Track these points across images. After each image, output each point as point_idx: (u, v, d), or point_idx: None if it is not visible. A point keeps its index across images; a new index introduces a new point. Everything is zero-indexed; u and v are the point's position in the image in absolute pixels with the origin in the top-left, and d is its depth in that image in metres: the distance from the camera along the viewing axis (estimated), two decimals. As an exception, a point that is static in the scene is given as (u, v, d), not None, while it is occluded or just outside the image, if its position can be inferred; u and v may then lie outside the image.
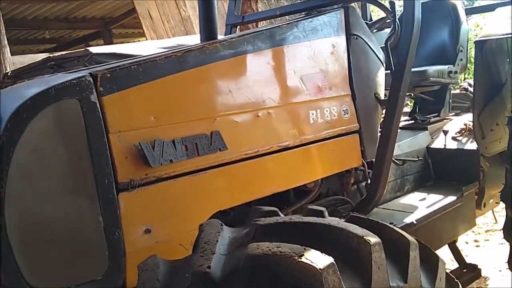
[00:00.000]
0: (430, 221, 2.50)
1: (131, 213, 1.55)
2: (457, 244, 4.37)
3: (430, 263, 1.29)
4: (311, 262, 0.93)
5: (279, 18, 2.91)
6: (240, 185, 1.91)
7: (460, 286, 1.45)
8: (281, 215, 1.26)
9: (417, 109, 3.58)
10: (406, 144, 2.97)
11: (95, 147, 1.47)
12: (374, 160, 2.40)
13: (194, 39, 4.25)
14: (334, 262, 0.95)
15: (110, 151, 1.50)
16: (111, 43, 10.95)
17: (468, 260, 3.74)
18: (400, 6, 2.52)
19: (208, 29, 2.37)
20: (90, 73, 1.51)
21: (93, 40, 12.04)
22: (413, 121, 3.39)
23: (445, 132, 3.07)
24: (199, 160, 1.74)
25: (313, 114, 2.19)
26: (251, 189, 1.94)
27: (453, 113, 3.58)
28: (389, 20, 2.66)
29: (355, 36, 2.40)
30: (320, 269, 0.93)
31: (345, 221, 1.21)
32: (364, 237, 1.05)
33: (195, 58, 1.78)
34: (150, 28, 6.88)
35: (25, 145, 1.35)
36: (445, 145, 3.03)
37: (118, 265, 1.52)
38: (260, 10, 7.42)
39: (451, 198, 2.68)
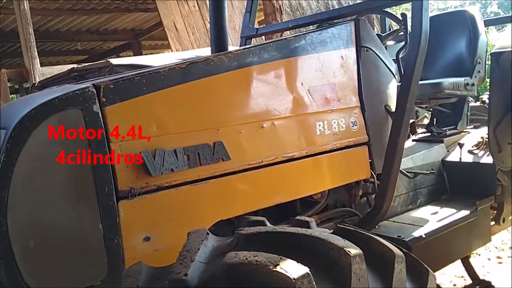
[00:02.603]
0: (441, 235, 2.45)
1: (131, 221, 1.59)
2: (480, 260, 4.26)
3: (420, 277, 1.27)
4: (286, 272, 0.95)
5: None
6: (244, 195, 1.93)
7: None
8: (268, 225, 1.27)
9: (434, 122, 3.54)
10: (420, 157, 2.93)
11: (96, 156, 1.52)
12: (382, 172, 2.39)
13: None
14: (309, 272, 0.96)
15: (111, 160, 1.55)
16: (140, 54, 11.21)
17: (489, 277, 3.65)
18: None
19: (218, 42, 2.43)
20: (93, 84, 1.57)
21: (123, 51, 12.37)
22: (429, 134, 3.34)
23: (461, 145, 3.01)
24: (200, 169, 1.77)
25: (320, 125, 2.19)
26: (255, 199, 1.96)
27: (472, 126, 3.51)
28: (402, 33, 2.65)
29: (365, 48, 2.41)
30: (294, 278, 0.94)
31: (331, 233, 1.22)
32: (345, 248, 1.05)
33: (199, 69, 1.82)
34: (176, 40, 7.02)
35: (29, 153, 1.41)
36: (460, 158, 2.97)
37: (116, 272, 1.55)
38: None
39: (464, 212, 2.62)
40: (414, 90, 2.23)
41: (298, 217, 1.30)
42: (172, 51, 7.09)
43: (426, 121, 3.97)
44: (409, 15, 2.44)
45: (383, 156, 2.37)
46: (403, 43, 2.51)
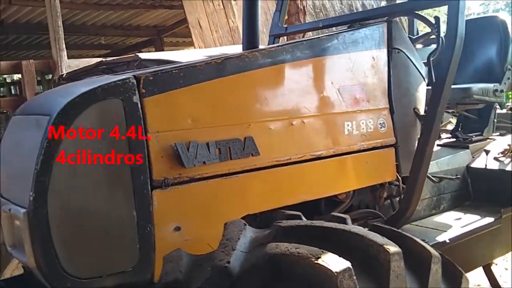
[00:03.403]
0: (464, 241, 2.44)
1: (163, 210, 1.62)
2: (498, 270, 4.22)
3: (454, 278, 1.28)
4: (328, 265, 0.96)
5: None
6: (271, 191, 1.95)
7: None
8: (304, 219, 1.29)
9: (460, 127, 3.51)
10: (445, 162, 2.92)
11: (134, 145, 1.56)
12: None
13: (240, 49, 4.36)
14: (350, 266, 0.97)
15: (147, 150, 1.59)
16: (162, 51, 11.31)
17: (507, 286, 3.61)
18: (444, 21, 2.50)
19: (250, 39, 2.46)
20: (134, 75, 1.60)
21: (144, 47, 12.47)
22: (454, 139, 3.32)
23: (487, 152, 2.99)
24: (231, 163, 1.80)
25: (348, 125, 2.20)
26: (281, 196, 1.98)
27: (498, 133, 3.47)
28: (434, 36, 2.65)
29: (396, 50, 2.40)
30: (336, 272, 0.95)
31: (368, 230, 1.23)
32: (384, 246, 1.07)
33: (234, 65, 1.85)
34: (199, 37, 7.07)
35: (70, 140, 1.46)
36: (486, 165, 2.95)
37: (147, 259, 1.59)
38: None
39: (488, 220, 2.60)
40: (447, 94, 2.22)
41: (334, 213, 1.32)
42: (195, 48, 7.14)
43: (449, 127, 3.94)
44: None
45: (410, 159, 2.37)
46: (430, 46, 2.50)
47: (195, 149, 1.68)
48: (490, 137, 3.35)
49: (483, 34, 3.36)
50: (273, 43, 3.07)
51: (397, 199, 2.51)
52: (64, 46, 5.68)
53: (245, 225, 1.24)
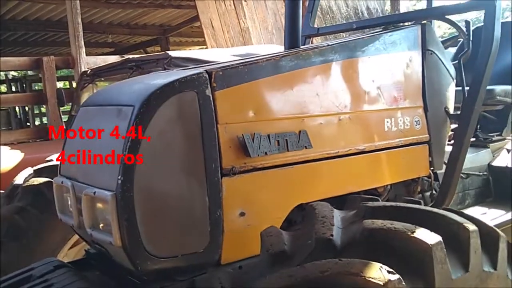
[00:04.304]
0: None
1: (230, 196, 1.74)
2: None
3: (512, 259, 1.40)
4: (423, 238, 1.08)
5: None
6: (321, 182, 2.07)
7: None
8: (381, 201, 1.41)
9: (478, 128, 3.65)
10: (469, 160, 3.04)
11: (206, 135, 1.67)
12: (439, 171, 2.52)
13: (261, 49, 4.48)
14: (441, 240, 1.09)
15: (218, 140, 1.70)
16: (167, 50, 11.40)
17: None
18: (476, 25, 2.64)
19: (292, 38, 2.58)
20: (206, 70, 1.72)
21: (149, 46, 12.56)
22: (474, 139, 3.46)
23: (508, 151, 3.13)
24: (288, 155, 1.91)
25: (388, 122, 2.33)
26: (330, 187, 2.09)
27: (515, 134, 3.62)
28: (459, 39, 2.78)
29: (430, 52, 2.53)
30: (431, 244, 1.07)
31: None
32: (464, 224, 1.19)
33: (290, 62, 1.97)
34: (211, 37, 7.18)
35: (153, 129, 1.57)
36: (507, 163, 3.09)
37: (216, 242, 1.70)
38: (316, 26, 7.61)
39: None
40: (482, 94, 2.36)
41: (407, 197, 1.44)
42: (207, 47, 7.25)
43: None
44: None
45: (441, 156, 2.50)
46: (450, 50, 2.61)
47: (258, 140, 1.80)
48: (508, 137, 3.49)
49: (507, 36, 3.50)
50: (305, 44, 3.20)
51: (428, 193, 2.64)
52: (83, 43, 5.77)
53: (331, 205, 1.36)
